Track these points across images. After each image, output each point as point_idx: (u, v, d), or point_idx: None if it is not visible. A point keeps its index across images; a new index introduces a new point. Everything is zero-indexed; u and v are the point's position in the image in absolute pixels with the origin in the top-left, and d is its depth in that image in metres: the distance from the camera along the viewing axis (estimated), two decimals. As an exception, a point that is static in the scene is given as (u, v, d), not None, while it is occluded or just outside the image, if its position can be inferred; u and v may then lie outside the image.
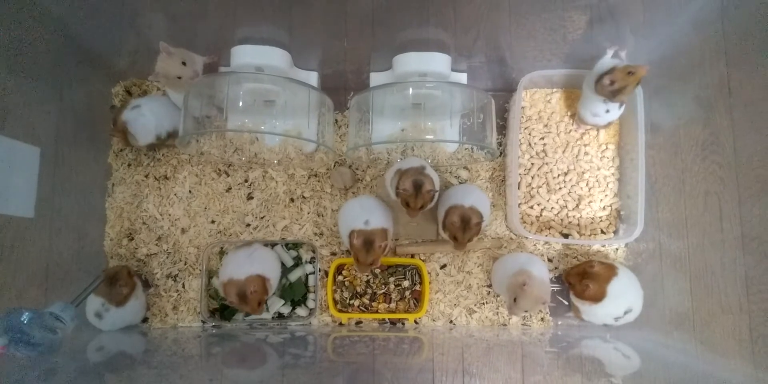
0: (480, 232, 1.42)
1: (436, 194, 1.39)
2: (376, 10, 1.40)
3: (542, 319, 1.56)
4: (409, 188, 1.33)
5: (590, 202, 1.56)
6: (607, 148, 1.59)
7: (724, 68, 1.25)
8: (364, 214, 1.38)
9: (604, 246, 1.57)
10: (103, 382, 1.20)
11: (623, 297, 1.42)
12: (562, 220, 1.57)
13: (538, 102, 1.63)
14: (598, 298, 1.42)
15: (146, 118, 1.50)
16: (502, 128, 1.65)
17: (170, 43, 1.38)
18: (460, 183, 1.62)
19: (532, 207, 1.57)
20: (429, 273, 1.55)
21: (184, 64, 1.40)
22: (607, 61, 1.40)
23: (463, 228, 1.37)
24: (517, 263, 1.41)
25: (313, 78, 1.58)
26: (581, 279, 1.43)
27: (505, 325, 1.56)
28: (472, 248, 1.57)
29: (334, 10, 1.40)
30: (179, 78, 1.41)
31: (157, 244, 1.58)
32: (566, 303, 1.57)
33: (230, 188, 1.61)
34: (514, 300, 1.33)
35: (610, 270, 1.43)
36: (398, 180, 1.36)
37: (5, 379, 1.04)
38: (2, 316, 1.03)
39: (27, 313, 1.05)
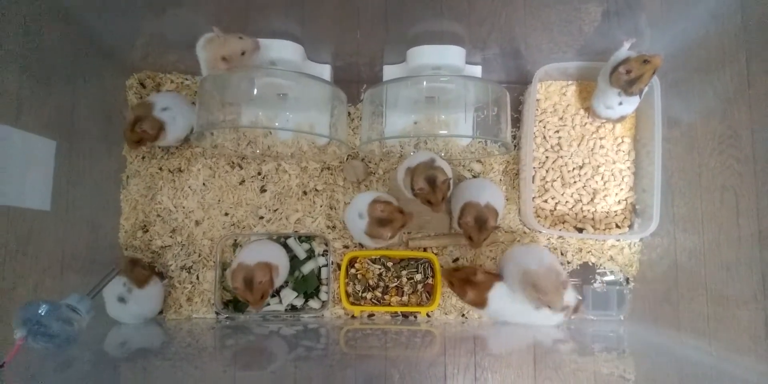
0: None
1: (451, 181, 1.38)
2: (390, 2, 1.39)
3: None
4: (425, 187, 1.32)
5: (605, 196, 1.55)
6: (623, 141, 1.57)
7: (743, 60, 1.23)
8: (356, 210, 1.40)
9: (618, 240, 1.56)
10: (119, 374, 1.21)
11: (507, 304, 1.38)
12: (576, 214, 1.56)
13: (553, 94, 1.61)
14: (480, 304, 1.38)
15: (180, 120, 1.51)
16: (517, 121, 1.63)
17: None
18: (474, 176, 1.61)
19: (546, 201, 1.56)
20: (441, 266, 1.55)
21: (240, 38, 1.36)
22: (623, 52, 1.38)
23: (478, 228, 1.36)
24: (518, 268, 1.36)
25: (326, 71, 1.58)
26: (462, 285, 1.37)
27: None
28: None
29: (347, 3, 1.39)
30: (243, 54, 1.37)
31: (171, 236, 1.59)
32: (579, 297, 1.56)
33: (243, 181, 1.61)
34: (548, 306, 1.31)
35: (491, 280, 1.38)
36: (411, 179, 1.35)
37: (23, 370, 1.06)
38: (20, 308, 1.05)
39: (44, 305, 1.06)
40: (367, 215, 1.36)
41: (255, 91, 1.48)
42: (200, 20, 1.37)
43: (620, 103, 1.44)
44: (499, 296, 1.36)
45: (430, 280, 1.55)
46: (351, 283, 1.55)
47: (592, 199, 1.55)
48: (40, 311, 1.06)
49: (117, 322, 1.44)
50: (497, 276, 1.39)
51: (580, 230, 1.55)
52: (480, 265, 1.43)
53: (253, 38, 1.38)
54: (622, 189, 1.56)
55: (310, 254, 1.58)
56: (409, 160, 1.41)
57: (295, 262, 1.55)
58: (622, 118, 1.53)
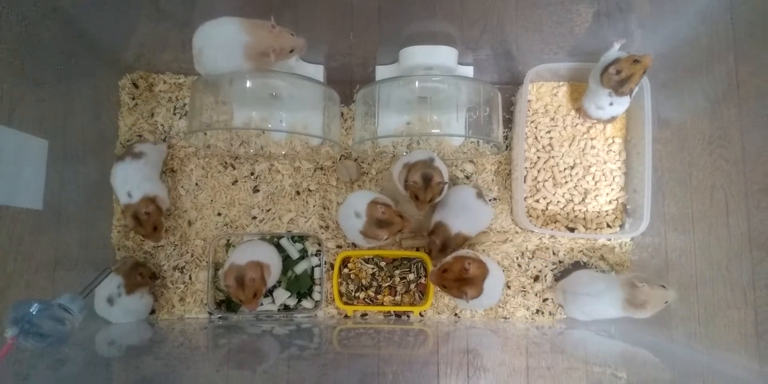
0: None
1: (446, 186, 1.39)
2: (383, 3, 1.40)
3: (550, 313, 1.56)
4: (418, 181, 1.33)
5: (596, 195, 1.56)
6: (613, 141, 1.58)
7: (732, 61, 1.24)
8: (352, 209, 1.40)
9: (609, 240, 1.57)
10: (111, 373, 1.21)
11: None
12: (568, 213, 1.57)
13: (544, 95, 1.62)
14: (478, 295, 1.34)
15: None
16: (508, 122, 1.64)
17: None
18: (466, 177, 1.61)
19: (537, 201, 1.57)
20: (434, 265, 1.55)
21: (292, 34, 1.34)
22: (612, 53, 1.39)
23: (440, 250, 1.42)
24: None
25: (319, 71, 1.58)
26: (459, 285, 1.31)
27: (508, 318, 1.56)
28: (477, 242, 1.57)
29: (340, 3, 1.40)
30: (291, 51, 1.35)
31: (163, 236, 1.58)
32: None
33: (236, 181, 1.61)
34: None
35: (483, 268, 1.33)
36: (407, 173, 1.36)
37: (15, 369, 1.05)
38: (12, 308, 1.04)
39: (36, 305, 1.05)
40: (366, 215, 1.36)
41: (248, 92, 1.48)
42: (194, 19, 1.37)
43: (611, 104, 1.45)
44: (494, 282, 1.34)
45: (422, 280, 1.55)
46: (344, 282, 1.55)
47: (583, 199, 1.56)
48: (31, 310, 1.05)
49: (108, 321, 1.43)
50: (482, 261, 1.33)
51: (572, 230, 1.56)
52: (462, 257, 1.33)
53: (302, 38, 1.36)
54: (613, 189, 1.57)
55: (303, 254, 1.58)
56: (408, 156, 1.42)
57: (288, 262, 1.55)
58: (612, 119, 1.54)
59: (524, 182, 1.56)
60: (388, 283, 1.55)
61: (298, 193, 1.61)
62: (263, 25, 1.31)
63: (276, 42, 1.31)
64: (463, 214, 1.42)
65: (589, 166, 1.57)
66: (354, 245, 1.57)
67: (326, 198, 1.61)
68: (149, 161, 1.49)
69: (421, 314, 1.56)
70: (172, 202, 1.59)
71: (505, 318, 1.56)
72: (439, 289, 1.37)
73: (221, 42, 1.33)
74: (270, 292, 1.55)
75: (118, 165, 1.47)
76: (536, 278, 1.58)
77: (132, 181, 1.45)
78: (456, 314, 1.57)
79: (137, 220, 1.43)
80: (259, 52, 1.31)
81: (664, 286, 1.33)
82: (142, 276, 1.45)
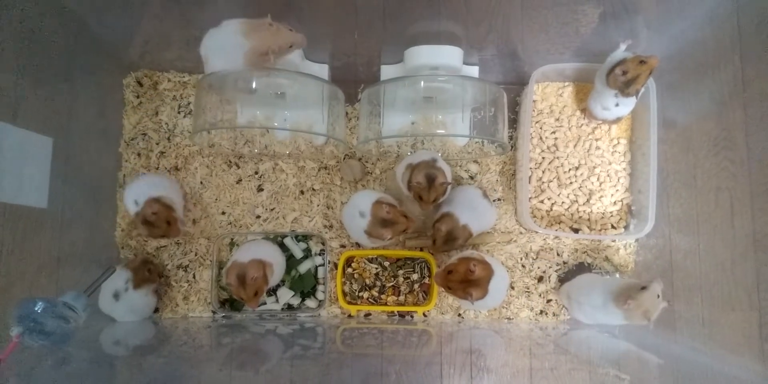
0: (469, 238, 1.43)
1: (449, 186, 1.39)
2: (387, 2, 1.39)
3: (554, 313, 1.56)
4: (422, 181, 1.33)
5: (601, 196, 1.56)
6: (618, 142, 1.58)
7: (738, 63, 1.24)
8: (356, 209, 1.40)
9: (614, 241, 1.57)
10: (114, 372, 1.21)
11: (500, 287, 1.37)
12: (572, 214, 1.56)
13: (549, 96, 1.62)
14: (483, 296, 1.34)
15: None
16: (513, 122, 1.64)
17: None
18: (471, 177, 1.61)
19: (542, 201, 1.57)
20: (438, 266, 1.55)
21: (290, 29, 1.33)
22: (619, 54, 1.39)
23: (445, 241, 1.40)
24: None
25: (324, 70, 1.58)
26: (464, 287, 1.30)
27: (512, 318, 1.56)
28: (482, 242, 1.57)
29: (344, 3, 1.40)
30: (291, 47, 1.33)
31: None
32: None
33: (240, 180, 1.61)
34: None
35: (488, 269, 1.33)
36: (410, 174, 1.36)
37: (19, 367, 1.05)
38: (16, 306, 1.04)
39: (40, 303, 1.06)
40: (370, 214, 1.36)
41: (254, 90, 1.48)
42: (198, 17, 1.37)
43: (617, 105, 1.45)
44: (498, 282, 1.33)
45: (426, 280, 1.55)
46: (348, 282, 1.55)
47: (588, 200, 1.56)
48: (36, 308, 1.05)
49: (113, 319, 1.43)
50: (487, 263, 1.33)
51: (576, 231, 1.56)
52: (467, 259, 1.32)
53: (300, 33, 1.34)
54: (617, 190, 1.57)
55: (307, 253, 1.58)
56: (411, 157, 1.42)
57: (291, 261, 1.55)
58: (618, 120, 1.53)
59: (529, 183, 1.56)
60: (391, 283, 1.54)
61: (302, 192, 1.61)
62: (261, 25, 1.30)
63: (274, 40, 1.30)
64: (470, 210, 1.42)
65: (594, 167, 1.57)
66: (358, 245, 1.57)
67: (330, 197, 1.61)
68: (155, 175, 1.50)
69: (424, 314, 1.56)
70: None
71: (508, 319, 1.56)
72: (443, 290, 1.37)
73: (224, 51, 1.34)
74: (274, 291, 1.55)
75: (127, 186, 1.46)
76: (540, 279, 1.57)
77: (139, 192, 1.42)
78: (459, 314, 1.57)
79: (149, 223, 1.39)
80: (258, 54, 1.31)
81: (644, 287, 1.28)
82: (151, 272, 1.46)
